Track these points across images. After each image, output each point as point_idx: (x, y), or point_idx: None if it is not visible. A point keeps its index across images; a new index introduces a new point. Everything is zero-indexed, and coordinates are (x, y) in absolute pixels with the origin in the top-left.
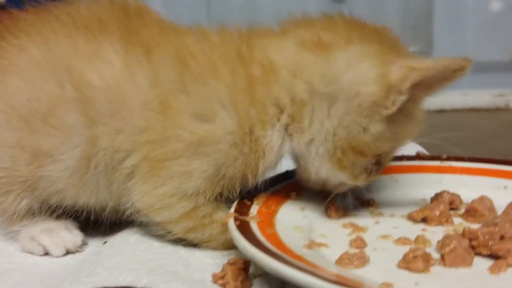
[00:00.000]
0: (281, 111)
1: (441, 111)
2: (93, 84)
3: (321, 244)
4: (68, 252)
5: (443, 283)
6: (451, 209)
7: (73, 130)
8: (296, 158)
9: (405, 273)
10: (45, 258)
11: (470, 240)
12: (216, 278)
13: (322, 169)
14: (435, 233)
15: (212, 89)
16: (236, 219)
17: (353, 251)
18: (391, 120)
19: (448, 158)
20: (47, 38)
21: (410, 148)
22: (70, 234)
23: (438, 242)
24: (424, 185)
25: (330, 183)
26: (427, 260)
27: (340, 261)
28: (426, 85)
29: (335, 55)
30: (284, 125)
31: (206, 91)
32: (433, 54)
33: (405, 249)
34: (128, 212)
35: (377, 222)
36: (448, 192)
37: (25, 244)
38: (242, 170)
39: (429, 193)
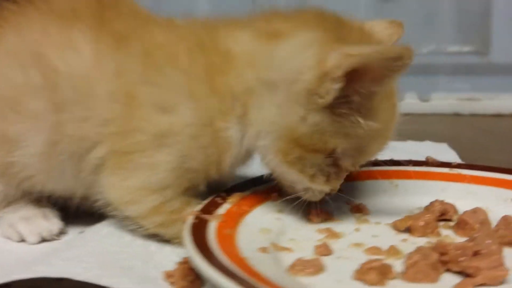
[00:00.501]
0: (237, 101)
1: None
2: (59, 70)
3: (284, 249)
4: (44, 240)
5: None
6: (444, 220)
7: (38, 116)
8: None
9: (358, 285)
10: (21, 244)
11: (441, 254)
12: (166, 276)
13: (274, 165)
14: (415, 245)
15: (173, 79)
16: (196, 217)
17: (312, 257)
18: (333, 112)
19: (459, 166)
20: (22, 26)
21: (443, 154)
22: (47, 222)
23: (408, 254)
24: (425, 193)
25: (294, 185)
26: (384, 272)
27: (292, 267)
28: (370, 76)
29: (281, 43)
30: (240, 117)
31: (167, 82)
32: (491, 54)
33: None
34: (99, 203)
35: (357, 229)
36: (441, 202)
37: (4, 230)
38: (205, 164)
39: (428, 202)
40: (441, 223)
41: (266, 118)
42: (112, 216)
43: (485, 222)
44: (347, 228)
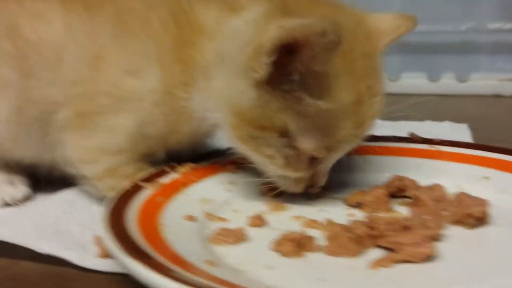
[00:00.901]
0: (198, 73)
1: None
2: (30, 40)
3: (220, 219)
4: (8, 205)
5: (298, 270)
6: (404, 196)
7: (6, 83)
8: None
9: (274, 255)
10: None
11: (371, 228)
12: (96, 241)
13: (230, 141)
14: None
15: (143, 45)
16: (133, 184)
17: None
18: (274, 88)
19: (441, 143)
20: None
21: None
22: (11, 188)
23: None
24: (398, 169)
25: (262, 169)
26: (302, 244)
27: (213, 236)
28: (307, 53)
29: (236, 16)
30: (201, 89)
31: (137, 47)
32: None
33: (308, 231)
34: (62, 165)
35: (306, 204)
36: (400, 178)
37: None
38: (164, 132)
39: None
40: (400, 200)
41: (218, 91)
42: (78, 183)
43: (441, 199)
44: (296, 201)
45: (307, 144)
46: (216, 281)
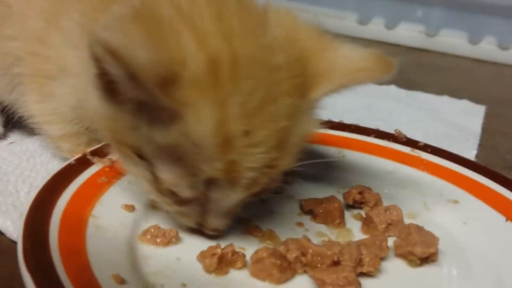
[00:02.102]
0: None
1: None
2: None
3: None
4: None
5: None
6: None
7: None
8: None
9: (195, 267)
10: None
11: (303, 255)
12: None
13: None
14: (307, 232)
15: (81, 13)
16: (81, 157)
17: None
18: (116, 104)
19: (424, 147)
20: None
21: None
22: None
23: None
24: (367, 171)
25: None
26: (228, 260)
27: (144, 233)
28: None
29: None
30: None
31: (78, 15)
32: None
33: (247, 239)
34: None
35: (261, 202)
36: (361, 189)
37: None
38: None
39: (367, 182)
40: (356, 212)
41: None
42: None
43: (396, 224)
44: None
45: (165, 175)
46: None
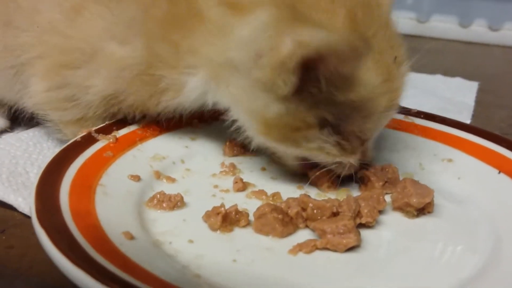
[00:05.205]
0: (197, 65)
1: None
2: None
3: (168, 178)
4: None
5: (216, 247)
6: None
7: None
8: None
9: (201, 227)
10: None
11: (303, 210)
12: None
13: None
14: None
15: (131, 11)
16: (86, 135)
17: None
18: (302, 94)
19: (417, 114)
20: None
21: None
22: None
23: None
24: None
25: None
26: (232, 219)
27: (150, 200)
28: (332, 61)
29: (242, 21)
30: (202, 83)
31: (124, 12)
32: None
33: (250, 202)
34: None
35: (263, 169)
36: None
37: None
38: (142, 101)
39: None
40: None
41: (234, 97)
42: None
43: (393, 181)
44: (253, 165)
45: (349, 126)
46: (115, 260)
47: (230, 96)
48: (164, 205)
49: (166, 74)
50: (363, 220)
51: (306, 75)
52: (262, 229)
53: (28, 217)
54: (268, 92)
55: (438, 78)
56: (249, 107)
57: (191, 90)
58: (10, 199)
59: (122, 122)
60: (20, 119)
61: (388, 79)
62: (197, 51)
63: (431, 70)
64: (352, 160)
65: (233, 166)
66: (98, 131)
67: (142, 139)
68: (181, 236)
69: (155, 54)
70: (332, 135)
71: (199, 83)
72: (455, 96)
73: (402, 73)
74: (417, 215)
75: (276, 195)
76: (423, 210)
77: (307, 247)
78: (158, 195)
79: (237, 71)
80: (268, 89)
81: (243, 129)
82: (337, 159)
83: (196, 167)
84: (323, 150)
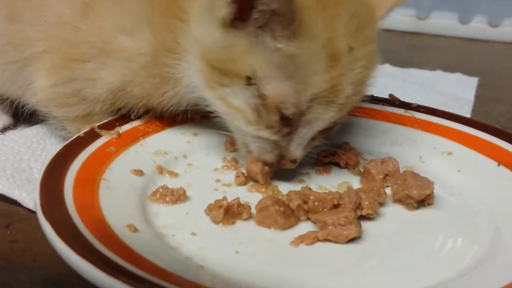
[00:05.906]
0: (188, 45)
1: None
2: None
3: (170, 173)
4: None
5: (218, 240)
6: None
7: None
8: None
9: (204, 220)
10: None
11: (305, 202)
12: None
13: (200, 92)
14: (308, 186)
15: (138, 5)
16: (89, 131)
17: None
18: (240, 29)
19: (417, 108)
20: None
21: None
22: None
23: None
24: (365, 132)
25: (232, 124)
26: (234, 212)
27: (153, 194)
28: None
29: None
30: (185, 51)
31: (132, 4)
32: None
33: (252, 195)
34: (30, 102)
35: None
36: (334, 149)
37: None
38: (148, 93)
39: (360, 142)
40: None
41: (193, 40)
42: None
43: (393, 174)
44: None
45: (274, 91)
46: (119, 252)
47: (190, 45)
48: (167, 199)
49: (168, 62)
50: (364, 212)
51: (244, 9)
52: (264, 221)
53: (32, 212)
54: (210, 18)
55: (439, 74)
56: (198, 42)
57: (186, 76)
58: (15, 195)
59: (125, 118)
60: (20, 115)
61: (333, 60)
62: (188, 32)
63: (432, 66)
64: (265, 134)
65: (234, 160)
66: (101, 127)
67: (145, 134)
68: (184, 229)
69: (159, 42)
70: (254, 98)
71: (189, 64)
72: (455, 92)
73: (354, 70)
74: (417, 207)
75: (274, 189)
76: (423, 202)
77: (309, 239)
78: (161, 189)
79: (198, 11)
80: (210, 13)
81: (194, 85)
82: (251, 129)
83: (198, 161)
84: (242, 112)
